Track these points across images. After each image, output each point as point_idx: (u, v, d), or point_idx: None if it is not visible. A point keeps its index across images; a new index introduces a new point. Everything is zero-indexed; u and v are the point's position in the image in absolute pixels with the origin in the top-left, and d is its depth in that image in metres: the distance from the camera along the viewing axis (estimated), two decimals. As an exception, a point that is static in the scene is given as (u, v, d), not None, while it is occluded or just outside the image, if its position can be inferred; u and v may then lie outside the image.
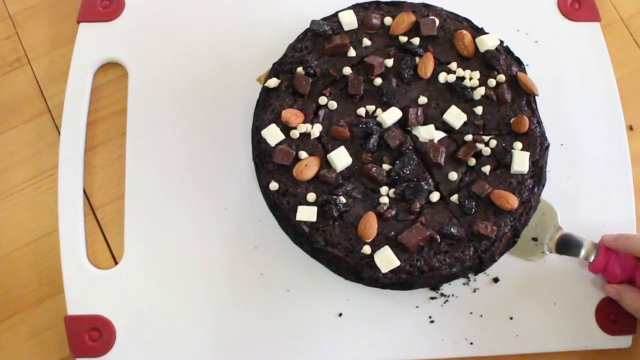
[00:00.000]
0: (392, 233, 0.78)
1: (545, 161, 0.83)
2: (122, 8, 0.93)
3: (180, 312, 0.82)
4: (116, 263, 0.84)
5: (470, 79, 0.84)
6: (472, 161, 0.82)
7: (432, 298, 0.83)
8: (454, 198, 0.80)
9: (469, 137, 0.83)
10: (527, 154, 0.81)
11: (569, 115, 0.92)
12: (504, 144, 0.82)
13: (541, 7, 0.97)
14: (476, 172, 0.82)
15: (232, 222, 0.85)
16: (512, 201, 0.79)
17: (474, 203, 0.80)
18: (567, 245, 0.84)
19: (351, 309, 0.83)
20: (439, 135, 0.83)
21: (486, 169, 0.81)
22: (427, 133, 0.82)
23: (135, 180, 0.86)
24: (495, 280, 0.84)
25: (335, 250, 0.78)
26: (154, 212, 0.85)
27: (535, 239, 0.85)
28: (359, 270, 0.78)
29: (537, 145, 0.83)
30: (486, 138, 0.82)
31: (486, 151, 0.82)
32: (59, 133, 0.89)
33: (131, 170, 0.87)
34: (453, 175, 0.81)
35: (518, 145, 0.82)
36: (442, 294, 0.83)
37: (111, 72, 0.92)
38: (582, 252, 0.83)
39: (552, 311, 0.84)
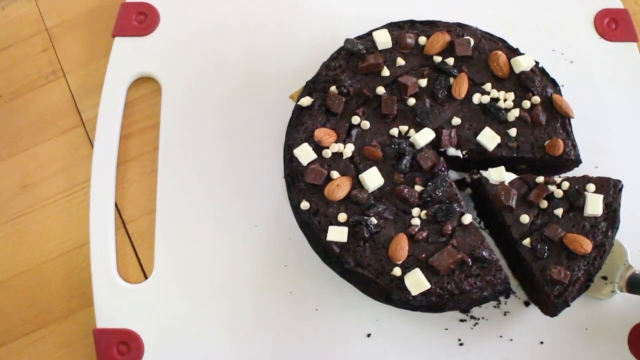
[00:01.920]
0: (423, 255, 0.77)
1: (619, 203, 0.81)
2: (157, 23, 0.94)
3: (209, 328, 0.82)
4: (146, 277, 0.85)
5: (505, 100, 0.83)
6: (544, 203, 0.80)
7: (461, 320, 0.83)
8: (526, 242, 0.78)
9: (540, 179, 0.81)
10: (600, 197, 0.79)
11: (605, 137, 0.91)
12: (576, 186, 0.80)
13: (577, 26, 0.97)
14: (548, 214, 0.80)
15: (262, 239, 0.85)
16: (586, 245, 0.77)
17: (546, 247, 0.78)
18: (639, 285, 0.81)
19: (380, 330, 0.82)
20: (509, 176, 0.81)
21: (558, 211, 0.79)
22: (498, 175, 0.81)
23: (167, 195, 0.87)
24: (527, 303, 0.83)
25: (366, 271, 0.77)
26: (184, 228, 0.85)
27: (605, 278, 0.82)
28: (389, 292, 0.77)
29: (611, 187, 0.81)
30: (558, 180, 0.81)
31: (558, 193, 0.80)
32: (92, 146, 0.89)
33: (163, 185, 0.87)
34: (525, 218, 0.79)
35: (591, 187, 0.80)
36: (472, 317, 0.83)
37: (145, 87, 0.93)
38: None
39: (584, 336, 0.83)
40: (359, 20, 0.90)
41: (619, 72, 0.94)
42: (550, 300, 0.77)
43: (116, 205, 0.87)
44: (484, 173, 0.82)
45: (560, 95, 0.85)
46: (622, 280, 0.81)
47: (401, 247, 0.76)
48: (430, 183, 0.79)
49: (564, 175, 0.83)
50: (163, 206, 0.86)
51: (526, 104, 0.83)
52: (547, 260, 0.78)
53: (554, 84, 0.86)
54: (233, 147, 0.88)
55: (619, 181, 0.82)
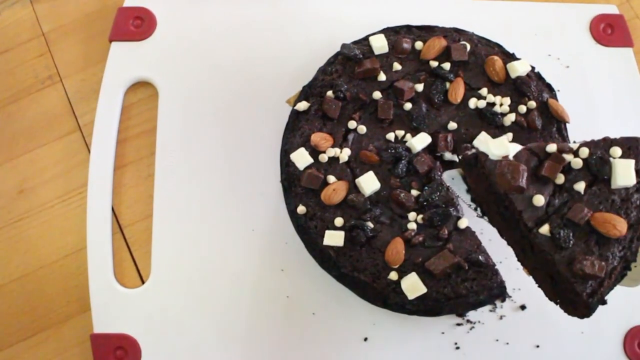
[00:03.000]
0: (420, 259, 0.77)
1: None
2: (154, 28, 0.94)
3: (206, 332, 0.82)
4: (143, 282, 0.85)
5: (501, 105, 0.84)
6: (561, 178, 0.66)
7: (458, 324, 0.83)
8: (544, 229, 0.65)
9: (552, 148, 0.66)
10: (631, 162, 0.65)
11: (600, 142, 0.91)
12: (599, 152, 0.65)
13: (573, 32, 0.97)
14: (567, 191, 0.66)
15: (259, 244, 0.85)
16: (620, 226, 0.63)
17: (571, 233, 0.64)
18: None
19: (377, 334, 0.82)
20: (514, 148, 0.67)
21: (579, 186, 0.66)
22: (500, 148, 0.67)
23: (164, 199, 0.87)
24: (522, 307, 0.84)
25: (362, 275, 0.77)
26: (181, 232, 0.85)
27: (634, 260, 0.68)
28: (386, 296, 0.78)
29: None
30: (574, 146, 0.67)
31: (577, 163, 0.66)
32: (89, 151, 0.89)
33: (159, 189, 0.87)
34: (539, 200, 0.65)
35: (616, 151, 0.65)
36: (468, 321, 0.83)
37: (141, 91, 0.93)
38: None
39: (579, 340, 0.83)
40: (356, 25, 0.90)
41: (615, 77, 0.95)
42: (581, 299, 0.64)
43: (113, 210, 0.87)
44: (481, 146, 0.68)
45: (556, 100, 0.85)
46: None
47: (397, 251, 0.77)
48: (426, 187, 0.79)
49: (580, 139, 0.69)
50: (160, 211, 0.86)
51: (522, 108, 0.83)
52: (573, 249, 0.64)
53: (549, 88, 0.86)
54: (229, 151, 0.89)
55: None
